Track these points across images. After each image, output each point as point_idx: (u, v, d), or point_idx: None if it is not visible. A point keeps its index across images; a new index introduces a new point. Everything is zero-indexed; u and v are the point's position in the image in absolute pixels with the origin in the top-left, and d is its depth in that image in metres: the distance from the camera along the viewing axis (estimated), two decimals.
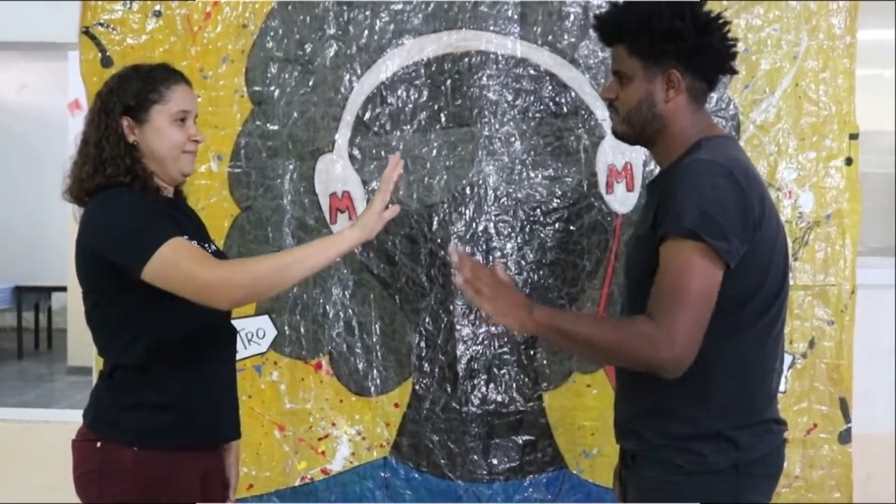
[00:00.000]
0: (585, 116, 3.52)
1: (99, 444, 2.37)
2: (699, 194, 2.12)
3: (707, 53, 2.31)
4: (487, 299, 2.18)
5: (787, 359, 3.48)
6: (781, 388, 3.33)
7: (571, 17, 3.52)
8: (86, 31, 3.55)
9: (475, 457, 3.51)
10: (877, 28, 3.92)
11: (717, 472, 2.23)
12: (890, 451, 3.66)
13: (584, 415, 3.52)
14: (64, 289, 8.75)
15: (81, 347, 7.77)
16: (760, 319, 2.24)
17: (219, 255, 2.63)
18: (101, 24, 3.55)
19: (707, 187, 2.13)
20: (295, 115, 3.54)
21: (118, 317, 2.37)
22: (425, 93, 3.52)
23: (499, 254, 3.49)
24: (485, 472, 3.51)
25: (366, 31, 3.52)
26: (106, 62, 3.55)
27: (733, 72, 2.43)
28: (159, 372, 2.38)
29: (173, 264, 2.24)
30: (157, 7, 3.54)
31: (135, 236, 2.27)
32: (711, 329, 2.18)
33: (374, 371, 3.55)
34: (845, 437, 3.53)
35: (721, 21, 2.33)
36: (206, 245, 2.49)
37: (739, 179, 2.16)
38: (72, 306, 8.52)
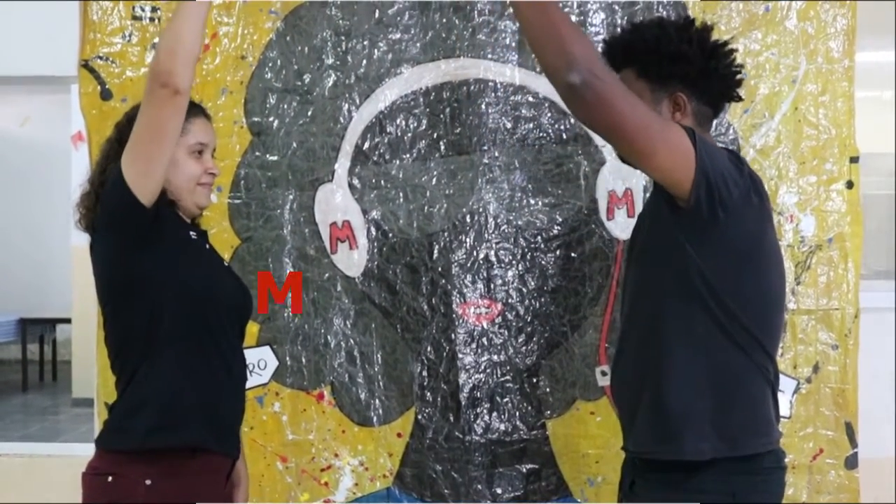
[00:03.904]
0: (585, 143, 3.50)
1: (110, 478, 2.36)
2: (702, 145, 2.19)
3: (713, 78, 2.38)
4: None
5: (792, 384, 3.47)
6: (787, 413, 3.38)
7: None
8: (85, 65, 3.54)
9: (479, 486, 3.48)
10: (876, 50, 3.93)
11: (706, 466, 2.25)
12: None
13: (588, 442, 3.49)
14: (68, 320, 8.78)
15: (86, 379, 7.77)
16: (741, 333, 2.26)
17: (232, 274, 2.67)
18: (101, 58, 3.55)
19: (708, 148, 2.21)
20: (294, 145, 3.53)
21: (132, 323, 2.40)
22: (424, 121, 3.51)
23: (500, 281, 3.48)
24: (489, 502, 3.48)
25: (364, 61, 3.52)
26: (105, 95, 3.55)
27: (738, 98, 2.49)
28: (166, 374, 2.39)
29: (131, 139, 2.31)
30: (156, 40, 3.54)
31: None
32: (700, 339, 2.23)
33: (377, 401, 3.53)
34: (852, 463, 3.49)
35: (727, 48, 2.42)
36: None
37: (740, 159, 2.32)
38: (77, 337, 8.54)
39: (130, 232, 2.34)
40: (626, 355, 2.44)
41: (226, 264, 2.81)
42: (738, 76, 2.45)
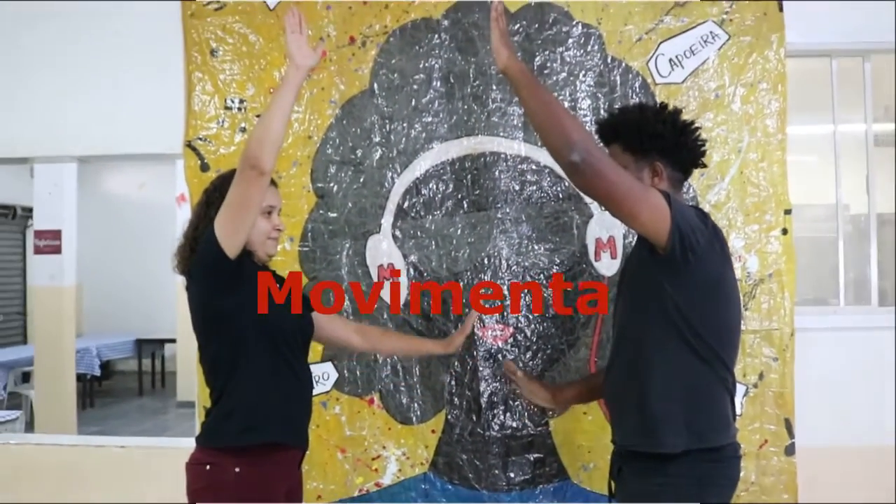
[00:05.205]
0: (577, 201, 3.52)
1: (208, 467, 2.39)
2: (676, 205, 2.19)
3: (683, 151, 2.38)
4: (500, 30, 2.30)
5: (742, 388, 3.45)
6: (738, 411, 3.34)
7: None
8: (188, 144, 3.64)
9: (496, 471, 3.48)
10: (803, 124, 3.95)
11: (679, 456, 2.23)
12: (827, 460, 3.57)
13: (582, 436, 3.49)
14: (174, 340, 8.87)
15: (188, 386, 7.86)
16: (706, 352, 2.26)
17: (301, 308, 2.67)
18: (200, 139, 3.64)
19: (680, 207, 2.21)
20: (350, 205, 3.58)
21: (221, 347, 2.42)
22: (451, 185, 3.54)
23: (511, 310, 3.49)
24: (504, 484, 3.47)
25: (403, 139, 3.57)
26: (204, 168, 3.62)
27: (703, 165, 2.48)
28: (250, 386, 2.40)
29: (223, 208, 2.31)
30: (243, 125, 3.61)
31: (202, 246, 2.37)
32: (675, 355, 2.23)
33: (415, 404, 3.54)
34: (790, 450, 3.48)
35: (694, 126, 2.41)
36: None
37: (705, 214, 2.32)
38: (180, 354, 8.65)
39: (220, 277, 2.36)
40: (615, 368, 2.43)
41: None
42: (703, 148, 2.45)
